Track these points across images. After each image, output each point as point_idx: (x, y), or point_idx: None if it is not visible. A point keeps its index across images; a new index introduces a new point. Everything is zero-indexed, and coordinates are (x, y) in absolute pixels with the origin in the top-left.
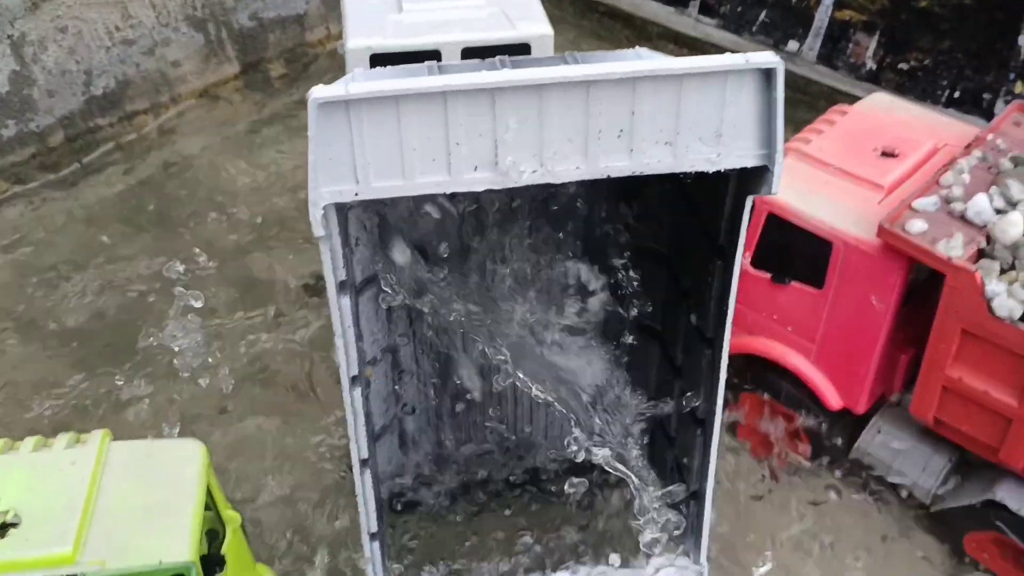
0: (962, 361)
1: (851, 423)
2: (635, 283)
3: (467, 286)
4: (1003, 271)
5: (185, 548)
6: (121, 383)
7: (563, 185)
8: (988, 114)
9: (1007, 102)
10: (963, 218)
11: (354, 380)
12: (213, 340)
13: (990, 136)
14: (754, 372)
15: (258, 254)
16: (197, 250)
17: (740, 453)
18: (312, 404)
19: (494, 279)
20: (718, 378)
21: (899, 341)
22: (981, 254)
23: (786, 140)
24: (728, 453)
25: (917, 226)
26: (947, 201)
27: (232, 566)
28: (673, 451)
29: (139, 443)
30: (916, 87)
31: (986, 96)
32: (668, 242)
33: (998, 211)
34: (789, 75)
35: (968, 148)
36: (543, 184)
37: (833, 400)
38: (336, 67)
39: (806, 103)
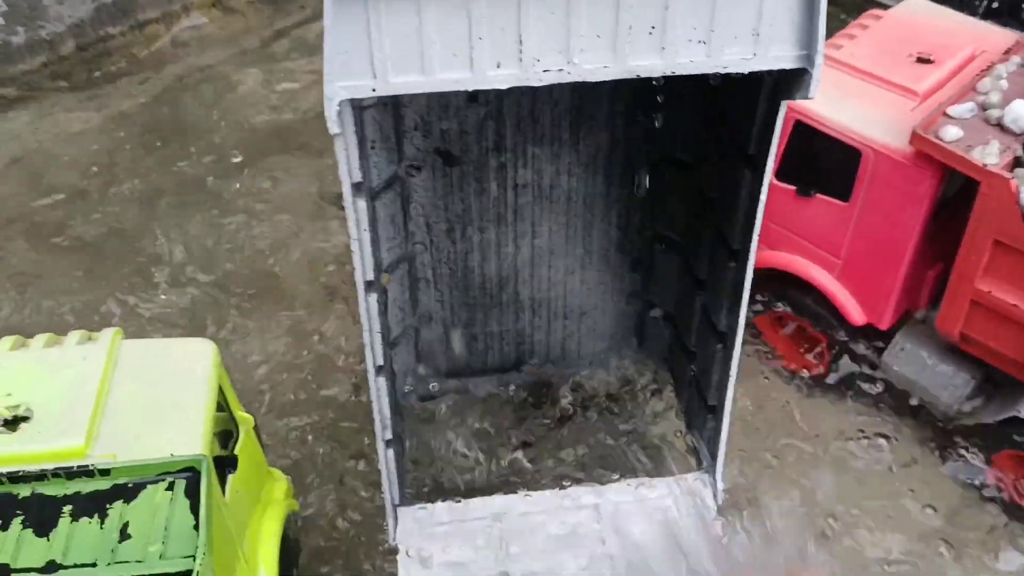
0: (992, 274)
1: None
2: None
3: (486, 195)
4: None
5: (197, 443)
6: (132, 291)
7: (586, 89)
8: None
9: None
10: (1000, 125)
11: (369, 285)
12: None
13: None
14: (774, 288)
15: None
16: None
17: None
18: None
19: (516, 188)
20: (743, 291)
21: (927, 256)
22: (1017, 162)
23: None
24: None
25: (952, 133)
26: (984, 108)
27: (244, 467)
28: (692, 365)
29: (150, 341)
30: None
31: None
32: (694, 151)
33: None
34: None
35: (1007, 54)
36: (566, 86)
37: (857, 316)
38: None
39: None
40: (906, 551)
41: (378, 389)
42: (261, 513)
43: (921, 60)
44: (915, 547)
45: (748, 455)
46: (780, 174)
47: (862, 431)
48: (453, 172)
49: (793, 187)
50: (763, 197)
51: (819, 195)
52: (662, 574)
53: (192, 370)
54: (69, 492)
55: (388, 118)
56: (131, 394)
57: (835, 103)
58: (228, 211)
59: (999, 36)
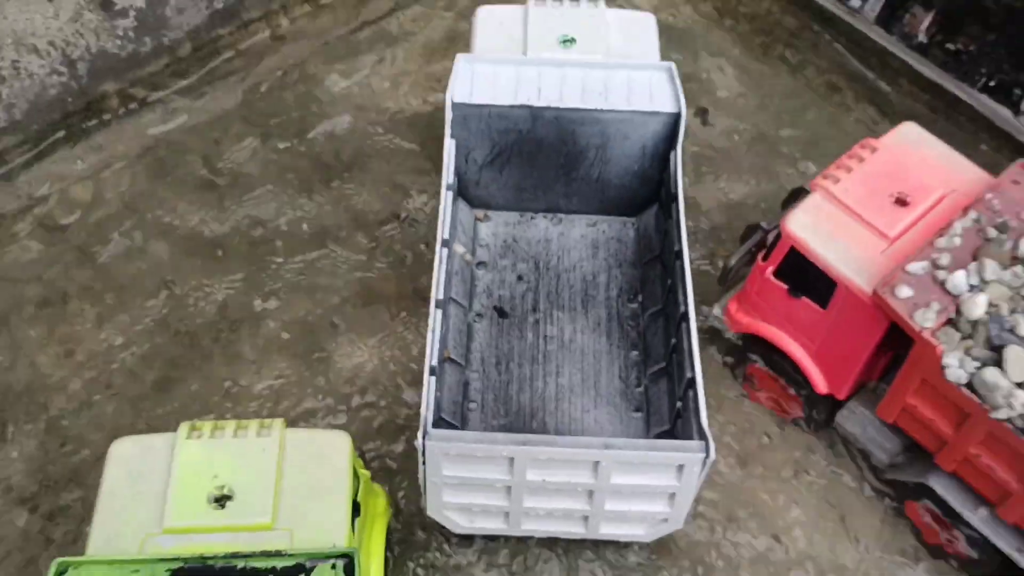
0: (918, 395)
1: (834, 402)
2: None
3: (524, 341)
4: (964, 338)
5: (342, 521)
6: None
7: (589, 280)
8: (1015, 108)
9: None
10: (943, 286)
11: (445, 243)
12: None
13: (988, 195)
14: (762, 349)
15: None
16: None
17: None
18: None
19: (545, 338)
20: (683, 275)
21: (882, 347)
22: (950, 322)
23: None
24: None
25: (904, 292)
26: (935, 266)
27: (364, 508)
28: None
29: (304, 432)
30: (959, 68)
31: (1016, 92)
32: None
33: (972, 286)
34: (848, 27)
35: (966, 209)
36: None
37: (822, 387)
38: None
39: (859, 55)
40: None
41: (434, 319)
42: (370, 527)
43: (899, 201)
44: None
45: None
46: (777, 274)
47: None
48: (504, 323)
49: (786, 286)
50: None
51: (805, 298)
52: None
53: (334, 458)
54: (268, 567)
55: (466, 283)
56: (295, 479)
57: (823, 236)
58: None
59: (971, 176)
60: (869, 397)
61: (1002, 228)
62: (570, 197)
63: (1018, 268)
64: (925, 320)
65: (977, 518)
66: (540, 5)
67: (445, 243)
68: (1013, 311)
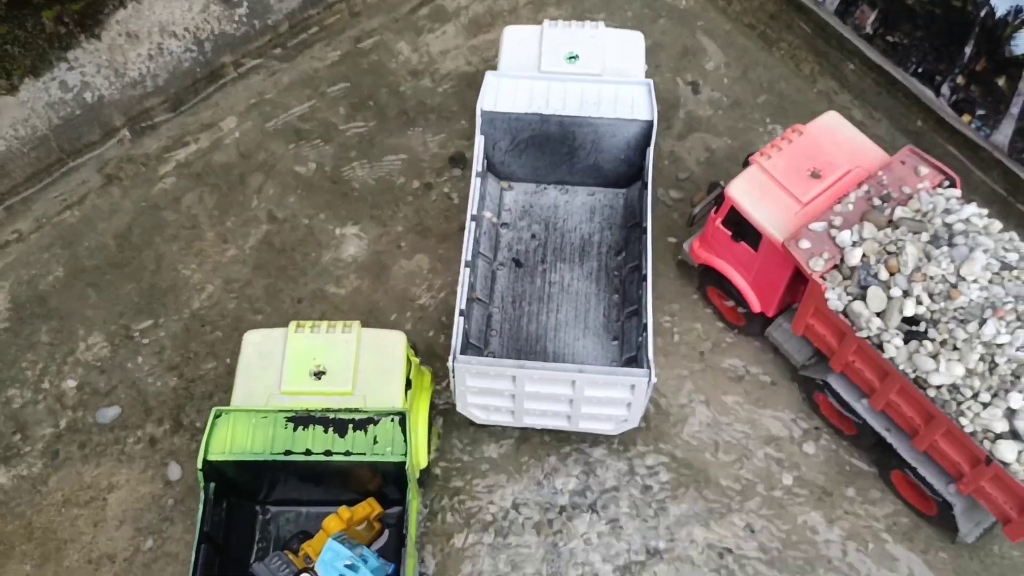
0: (815, 318)
1: (765, 318)
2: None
3: (534, 285)
4: (844, 279)
5: (399, 393)
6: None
7: (586, 240)
8: (936, 90)
9: (951, 87)
10: (834, 241)
11: (473, 217)
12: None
13: (880, 172)
14: (716, 277)
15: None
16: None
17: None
18: None
19: (550, 283)
20: (646, 245)
21: (796, 279)
22: (836, 266)
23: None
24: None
25: (804, 244)
26: (831, 226)
27: (414, 383)
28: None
29: (373, 331)
30: (896, 56)
31: (937, 78)
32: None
33: (854, 242)
34: (815, 15)
35: (860, 183)
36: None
37: (756, 307)
38: None
39: (823, 37)
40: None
41: (463, 275)
42: (418, 396)
43: (814, 175)
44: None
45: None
46: (724, 223)
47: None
48: (519, 271)
49: (730, 232)
50: (648, 200)
51: (743, 242)
52: None
53: (394, 349)
54: (350, 419)
55: (492, 240)
56: (368, 363)
57: (754, 199)
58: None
59: (873, 156)
60: (791, 315)
61: (885, 198)
62: (574, 174)
63: (888, 230)
64: (816, 265)
65: (859, 406)
66: (553, 26)
67: (474, 218)
68: (878, 261)
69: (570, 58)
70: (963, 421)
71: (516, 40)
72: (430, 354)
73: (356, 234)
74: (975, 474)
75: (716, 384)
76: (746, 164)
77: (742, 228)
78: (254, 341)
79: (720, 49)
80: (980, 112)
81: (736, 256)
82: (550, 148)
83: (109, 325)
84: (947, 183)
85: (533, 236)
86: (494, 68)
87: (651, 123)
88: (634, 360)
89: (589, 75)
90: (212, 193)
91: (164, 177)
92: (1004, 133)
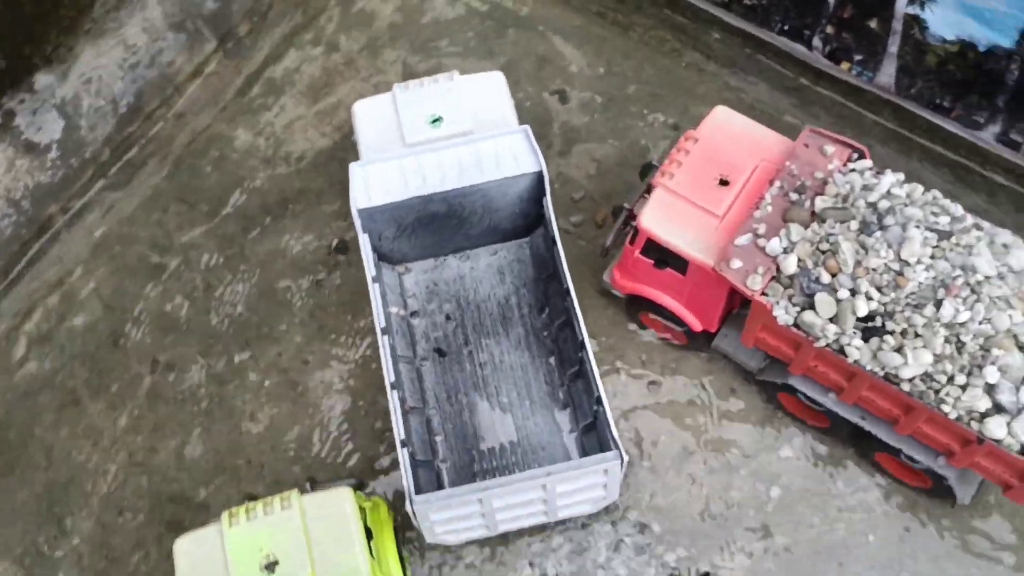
0: (764, 332)
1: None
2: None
3: (464, 372)
4: (785, 288)
5: (364, 565)
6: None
7: (505, 305)
8: (808, 44)
9: (823, 39)
10: (764, 251)
11: (383, 331)
12: None
13: (787, 163)
14: (646, 305)
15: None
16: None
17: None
18: None
19: (481, 365)
20: (574, 310)
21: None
22: (774, 277)
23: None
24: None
25: (736, 264)
26: (756, 235)
27: (374, 527)
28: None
29: (316, 497)
30: (757, 18)
31: (806, 32)
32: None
33: (785, 248)
34: None
35: (772, 181)
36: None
37: (697, 326)
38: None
39: (678, 11)
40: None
41: (393, 401)
42: (381, 535)
43: (721, 183)
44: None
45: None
46: (643, 252)
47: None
48: (444, 361)
49: (651, 261)
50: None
51: (668, 268)
52: None
53: (343, 510)
54: None
55: (406, 336)
56: (320, 535)
57: (669, 225)
58: None
59: (775, 144)
60: (736, 321)
61: (800, 190)
62: (470, 238)
63: (815, 225)
64: (754, 283)
65: (829, 401)
66: (404, 90)
67: (385, 331)
68: (816, 264)
69: (434, 121)
70: (945, 408)
71: (369, 116)
72: (376, 471)
73: (252, 359)
74: (967, 452)
75: (675, 412)
76: (643, 174)
77: (664, 255)
78: (186, 550)
79: (576, 48)
80: (858, 58)
81: (664, 282)
82: (440, 224)
83: (14, 549)
84: (856, 156)
85: (448, 317)
86: (347, 133)
87: (540, 173)
88: (592, 427)
89: (459, 136)
90: (83, 360)
91: (24, 360)
92: (887, 73)
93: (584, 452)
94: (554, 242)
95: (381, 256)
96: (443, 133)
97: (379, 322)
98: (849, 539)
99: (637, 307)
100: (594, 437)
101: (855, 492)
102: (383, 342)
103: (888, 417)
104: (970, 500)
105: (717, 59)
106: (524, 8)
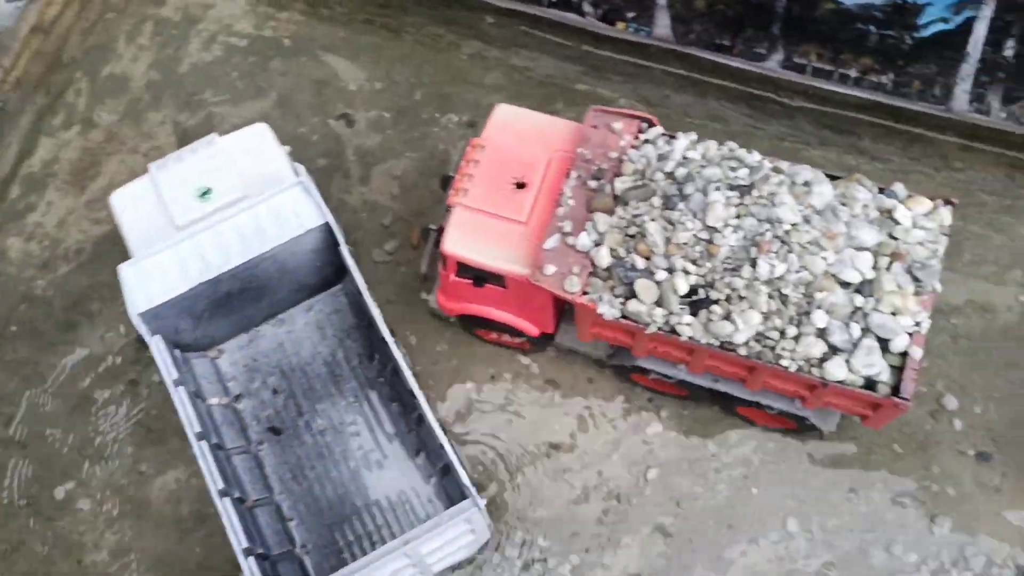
0: (597, 327)
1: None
2: None
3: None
4: (605, 281)
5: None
6: None
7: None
8: (579, 11)
9: (592, 3)
10: (575, 249)
11: (199, 436)
12: None
13: (580, 149)
14: (479, 321)
15: None
16: None
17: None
18: None
19: (320, 433)
20: (400, 370)
21: None
22: (592, 273)
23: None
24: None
25: (549, 269)
26: (564, 234)
27: None
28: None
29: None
30: None
31: (573, 1)
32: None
33: (595, 242)
34: None
35: (568, 172)
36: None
37: (534, 332)
38: None
39: (444, 6)
40: None
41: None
42: None
43: (518, 186)
44: None
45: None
46: (459, 274)
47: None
48: (282, 438)
49: (470, 280)
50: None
51: (488, 284)
52: None
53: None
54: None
55: (234, 425)
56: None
57: (475, 245)
58: None
59: (564, 132)
60: (574, 315)
61: (599, 175)
62: (277, 302)
63: (620, 210)
64: (572, 285)
65: (680, 374)
66: (162, 167)
67: (201, 436)
68: (629, 251)
69: (203, 195)
70: (784, 363)
71: (131, 205)
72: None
73: (80, 486)
74: (817, 395)
75: (536, 416)
76: (444, 186)
77: (480, 274)
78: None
79: (351, 64)
80: (631, 15)
81: (488, 297)
82: (239, 300)
83: None
84: (645, 125)
85: (275, 391)
86: None
87: (327, 224)
88: (450, 469)
89: (233, 204)
90: None
91: None
92: (663, 25)
93: (448, 496)
94: (360, 294)
95: (185, 347)
96: (215, 206)
97: (191, 428)
98: (734, 497)
99: (471, 324)
100: (455, 479)
101: (729, 450)
102: (201, 450)
103: (737, 378)
104: (835, 427)
105: (496, 43)
106: (285, 34)
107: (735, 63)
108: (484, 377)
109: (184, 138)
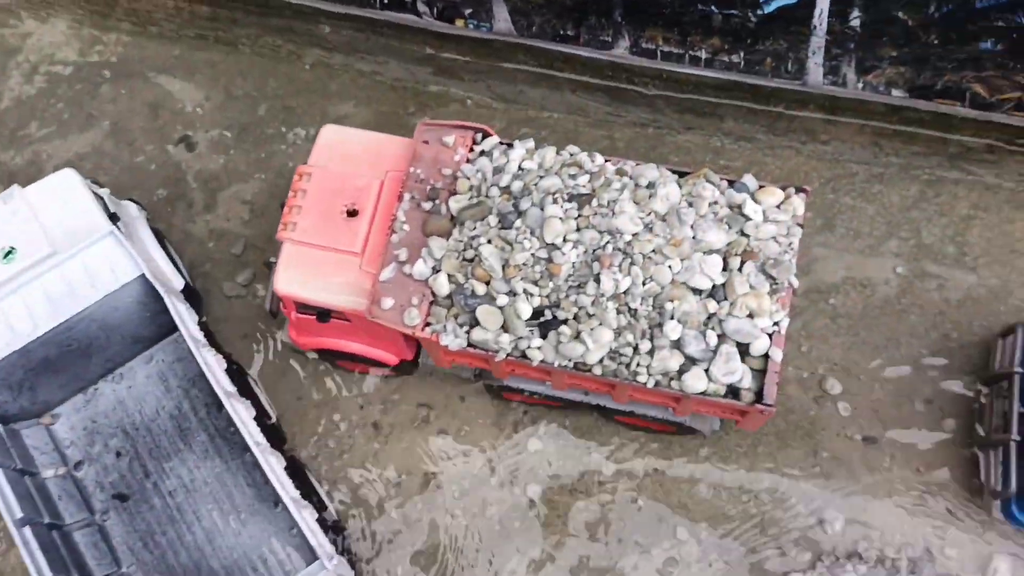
0: (449, 355)
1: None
2: None
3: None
4: (448, 309)
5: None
6: None
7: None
8: (415, 11)
9: (426, 3)
10: (413, 278)
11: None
12: None
13: (412, 168)
14: (337, 353)
15: None
16: None
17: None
18: None
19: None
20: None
21: None
22: (433, 302)
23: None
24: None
25: (387, 303)
26: (399, 262)
27: None
28: None
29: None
30: (357, 0)
31: (407, 2)
32: None
33: (434, 269)
34: None
35: (400, 195)
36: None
37: (393, 360)
38: None
39: (275, 15)
40: None
41: None
42: None
43: (350, 214)
44: None
45: None
46: (302, 311)
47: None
48: (129, 504)
49: (313, 316)
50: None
51: (334, 319)
52: None
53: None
54: None
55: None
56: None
57: (308, 282)
58: None
59: (395, 150)
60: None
61: (433, 195)
62: (109, 359)
63: (456, 232)
64: (413, 319)
65: (548, 390)
66: None
67: (25, 522)
68: (468, 277)
69: (6, 256)
70: (641, 379)
71: None
72: None
73: None
74: (683, 405)
75: (410, 443)
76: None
77: (321, 310)
78: None
79: (187, 82)
80: (468, 11)
81: (339, 330)
82: (63, 362)
83: None
84: (480, 136)
85: (119, 454)
86: None
87: (142, 276)
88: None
89: (40, 262)
90: None
91: None
92: (503, 19)
93: (311, 549)
94: (191, 350)
95: (11, 418)
96: (20, 266)
97: (10, 516)
98: (621, 509)
99: (332, 356)
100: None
101: (610, 459)
102: (23, 537)
103: (602, 392)
104: (718, 426)
105: (339, 50)
106: (113, 56)
107: (584, 53)
108: (353, 407)
109: (10, 180)
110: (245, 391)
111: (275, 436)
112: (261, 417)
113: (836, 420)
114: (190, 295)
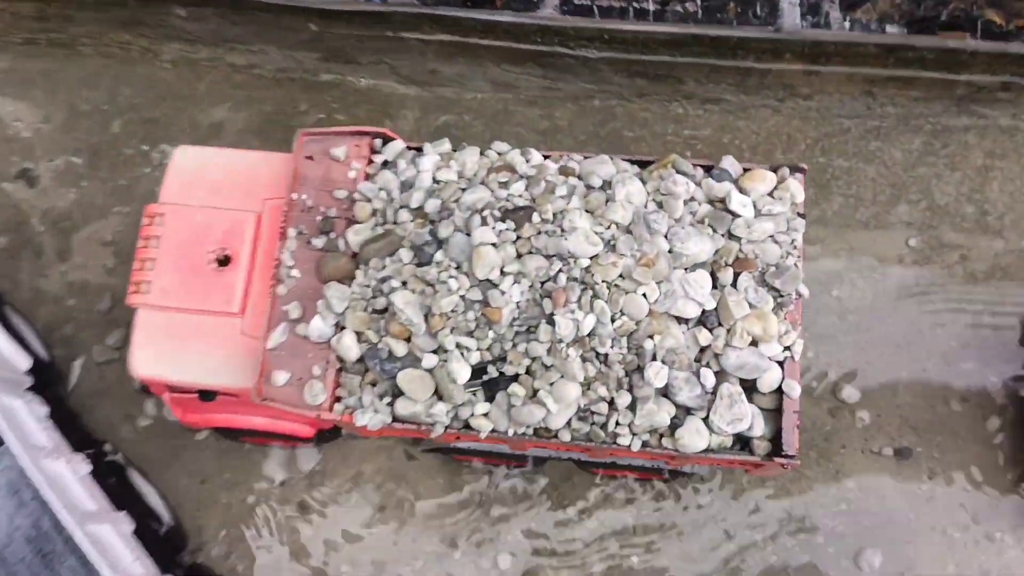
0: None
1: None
2: None
3: None
4: (362, 375)
5: None
6: None
7: None
8: None
9: None
10: (310, 340)
11: None
12: None
13: (294, 195)
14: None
15: None
16: None
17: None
18: None
19: None
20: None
21: None
22: (342, 368)
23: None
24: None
25: (280, 378)
26: (291, 321)
27: None
28: None
29: None
30: None
31: None
32: None
33: (337, 325)
34: None
35: (283, 232)
36: None
37: (307, 433)
38: None
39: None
40: None
41: None
42: None
43: (221, 263)
44: None
45: None
46: (172, 390)
47: None
48: None
49: (196, 395)
50: None
51: (220, 396)
52: None
53: None
54: None
55: None
56: None
57: (172, 359)
58: None
59: (272, 170)
60: None
61: (326, 228)
62: None
63: (360, 274)
64: (316, 396)
65: (508, 449)
66: None
67: None
68: (381, 335)
69: None
70: (623, 441)
71: None
72: None
73: None
74: (679, 461)
75: (347, 523)
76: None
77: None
78: None
79: (20, 100)
80: None
81: (233, 406)
82: None
83: None
84: (380, 141)
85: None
86: None
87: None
88: None
89: None
90: None
91: None
92: None
93: None
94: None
95: None
96: None
97: None
98: (612, 570)
99: (235, 435)
100: None
101: (593, 517)
102: None
103: (577, 451)
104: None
105: (203, 41)
106: None
107: (505, 18)
108: (270, 487)
109: None
110: (126, 491)
111: (168, 546)
112: (148, 524)
113: (858, 434)
114: (44, 372)
